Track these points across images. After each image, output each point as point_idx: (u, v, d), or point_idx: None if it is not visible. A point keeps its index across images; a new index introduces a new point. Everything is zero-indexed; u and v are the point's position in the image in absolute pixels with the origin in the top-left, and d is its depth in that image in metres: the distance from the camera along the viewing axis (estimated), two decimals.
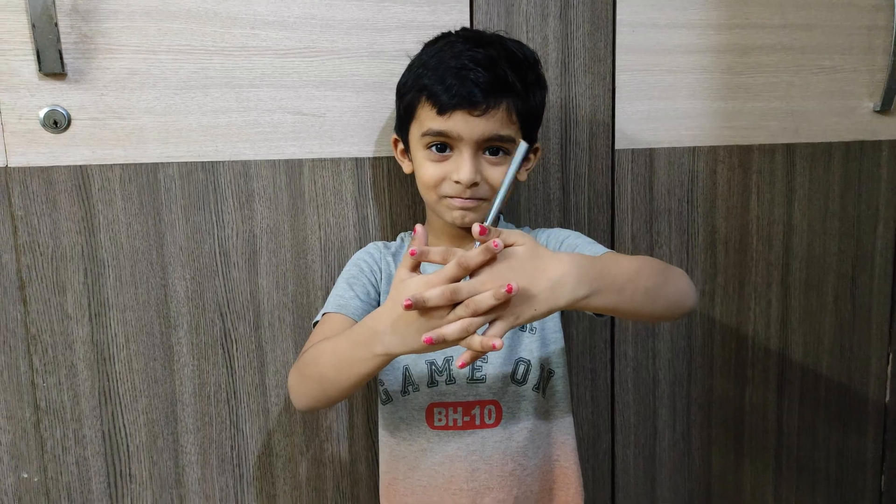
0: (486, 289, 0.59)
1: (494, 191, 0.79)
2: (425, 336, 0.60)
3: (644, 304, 0.68)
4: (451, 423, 0.80)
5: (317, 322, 0.81)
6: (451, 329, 0.60)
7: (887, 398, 1.22)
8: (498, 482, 0.80)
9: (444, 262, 0.61)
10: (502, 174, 0.78)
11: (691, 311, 0.74)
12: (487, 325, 0.61)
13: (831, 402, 1.19)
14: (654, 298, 0.69)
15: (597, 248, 0.81)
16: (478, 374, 0.81)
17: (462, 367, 0.62)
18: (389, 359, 0.66)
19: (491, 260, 0.61)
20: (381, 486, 0.86)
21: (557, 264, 0.63)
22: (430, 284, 0.60)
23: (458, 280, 0.60)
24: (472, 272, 0.61)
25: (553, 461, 0.84)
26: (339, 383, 0.69)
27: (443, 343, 0.60)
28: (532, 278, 0.61)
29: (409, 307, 0.59)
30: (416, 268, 0.63)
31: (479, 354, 0.62)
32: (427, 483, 0.81)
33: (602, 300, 0.64)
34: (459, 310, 0.60)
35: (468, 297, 0.59)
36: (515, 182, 0.87)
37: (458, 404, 0.80)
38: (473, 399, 0.80)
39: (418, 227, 0.64)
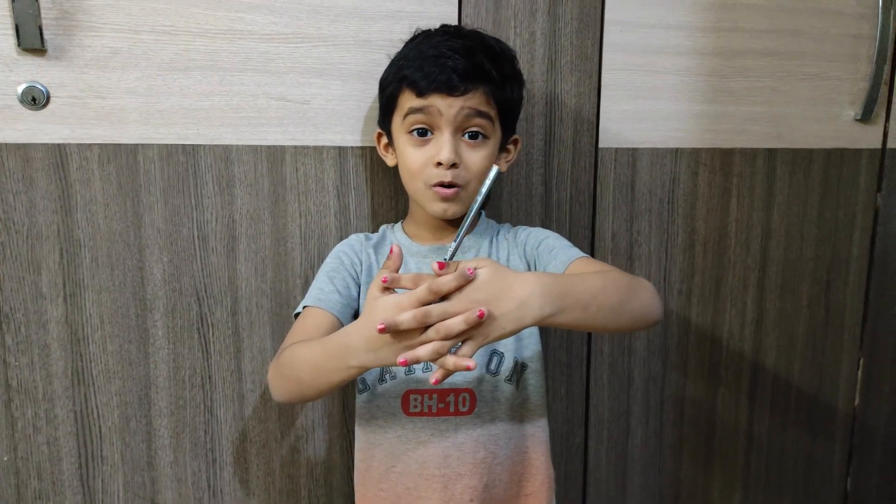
0: (455, 311, 0.62)
1: (472, 175, 0.82)
2: (400, 359, 0.63)
3: (608, 319, 0.71)
4: (425, 410, 0.82)
5: (298, 314, 0.83)
6: (423, 351, 0.63)
7: (856, 402, 1.24)
8: (469, 469, 0.81)
9: (415, 287, 0.64)
10: (480, 159, 0.82)
11: (657, 323, 0.77)
12: (459, 343, 0.64)
13: (801, 405, 1.21)
14: (619, 314, 0.72)
15: (572, 253, 0.82)
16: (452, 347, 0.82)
17: (436, 383, 0.65)
18: (363, 370, 0.69)
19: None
20: (356, 473, 0.87)
21: (523, 284, 0.65)
22: (401, 307, 0.63)
23: (429, 303, 0.63)
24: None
25: (524, 453, 0.85)
26: (315, 387, 0.73)
27: (416, 362, 0.63)
28: (499, 299, 0.64)
29: (382, 331, 0.62)
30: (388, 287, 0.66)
31: (452, 372, 0.64)
32: (401, 469, 0.82)
33: (567, 318, 0.67)
34: (431, 333, 0.63)
35: (438, 320, 0.62)
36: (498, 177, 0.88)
37: (433, 391, 0.81)
38: (448, 387, 0.81)
39: (395, 247, 0.67)
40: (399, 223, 0.93)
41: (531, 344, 0.85)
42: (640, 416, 1.14)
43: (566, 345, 1.09)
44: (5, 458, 0.93)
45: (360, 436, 0.86)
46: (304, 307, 0.83)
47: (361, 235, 0.91)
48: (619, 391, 1.13)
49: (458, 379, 0.81)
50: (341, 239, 0.96)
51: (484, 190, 0.68)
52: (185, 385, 0.96)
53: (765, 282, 1.16)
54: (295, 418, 1.01)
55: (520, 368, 0.84)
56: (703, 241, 1.12)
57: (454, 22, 0.95)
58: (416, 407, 0.82)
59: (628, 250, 1.09)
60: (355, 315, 0.85)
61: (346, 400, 1.01)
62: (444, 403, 0.81)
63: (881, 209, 1.19)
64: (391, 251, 0.67)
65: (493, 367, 0.83)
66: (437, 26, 0.88)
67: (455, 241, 0.69)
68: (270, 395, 0.98)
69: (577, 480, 1.14)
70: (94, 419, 0.95)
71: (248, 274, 0.96)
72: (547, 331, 1.07)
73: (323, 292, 0.83)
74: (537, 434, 0.86)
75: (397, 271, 0.66)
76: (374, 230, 0.97)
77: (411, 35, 0.89)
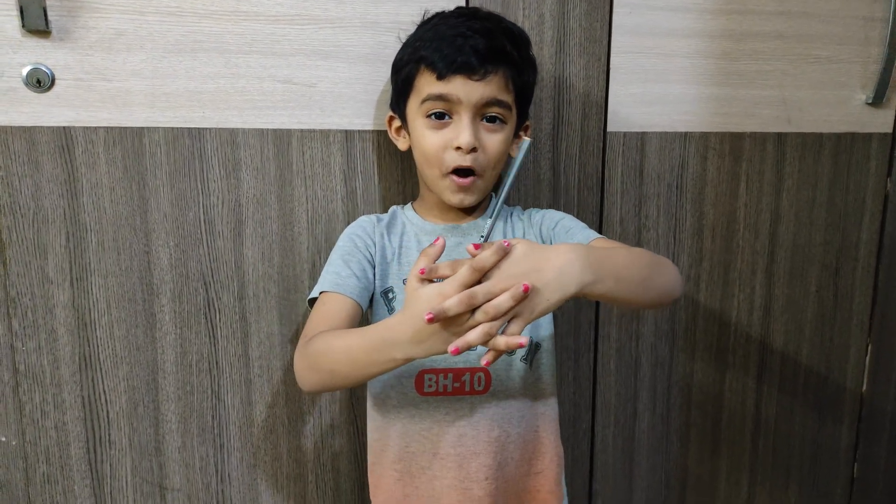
0: (499, 290, 0.61)
1: (490, 161, 0.81)
2: (451, 347, 0.62)
3: (637, 293, 0.71)
4: (440, 389, 0.81)
5: (312, 299, 0.82)
6: (474, 335, 0.62)
7: (864, 388, 1.24)
8: (484, 447, 0.81)
9: (454, 273, 0.63)
10: (498, 143, 0.81)
11: (678, 300, 0.77)
12: (507, 322, 0.63)
13: (809, 390, 1.21)
14: (647, 288, 0.72)
15: (589, 234, 0.82)
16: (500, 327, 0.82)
17: (487, 364, 0.64)
18: (409, 362, 0.68)
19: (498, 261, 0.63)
20: (370, 454, 0.87)
21: (560, 254, 0.65)
22: (445, 294, 0.61)
23: (471, 284, 0.62)
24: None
25: (535, 431, 0.85)
26: (351, 378, 0.72)
27: (468, 348, 0.62)
28: (539, 270, 0.63)
29: (431, 321, 0.61)
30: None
31: (504, 353, 0.64)
32: (416, 449, 0.82)
33: (603, 287, 0.66)
34: (479, 315, 0.62)
35: (484, 301, 0.61)
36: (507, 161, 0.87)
37: (448, 370, 0.81)
38: (464, 366, 0.81)
39: (440, 238, 0.66)
40: (409, 204, 0.92)
41: (545, 322, 0.85)
42: (648, 401, 1.14)
43: (574, 330, 1.09)
44: (14, 443, 0.93)
45: (374, 417, 0.86)
46: (320, 292, 0.81)
47: (373, 217, 0.90)
48: (626, 376, 1.13)
49: (472, 357, 0.81)
50: (349, 223, 0.95)
51: (519, 160, 0.67)
52: (192, 370, 0.96)
53: (773, 267, 1.15)
54: (302, 403, 1.00)
55: (534, 348, 0.84)
56: (711, 226, 1.11)
57: (463, 3, 0.94)
58: (430, 387, 0.81)
59: (636, 235, 1.09)
60: (372, 300, 0.84)
61: None
62: (460, 383, 0.81)
63: (891, 194, 1.18)
64: (434, 242, 0.66)
65: None
66: (448, 8, 0.87)
67: (491, 216, 0.69)
68: (277, 381, 0.99)
69: (584, 465, 1.13)
70: (101, 404, 0.95)
71: (255, 258, 0.95)
72: (555, 315, 1.06)
73: (340, 277, 0.81)
74: (548, 413, 0.86)
75: (436, 262, 0.65)
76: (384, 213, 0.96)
77: (421, 17, 0.88)
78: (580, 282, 0.64)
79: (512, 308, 0.62)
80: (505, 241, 0.63)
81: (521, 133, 0.89)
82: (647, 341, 1.12)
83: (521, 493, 0.85)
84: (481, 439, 0.81)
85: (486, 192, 0.85)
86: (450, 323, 0.62)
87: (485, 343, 0.62)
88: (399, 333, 0.65)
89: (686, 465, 1.18)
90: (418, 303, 0.63)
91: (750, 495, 1.22)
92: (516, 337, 0.62)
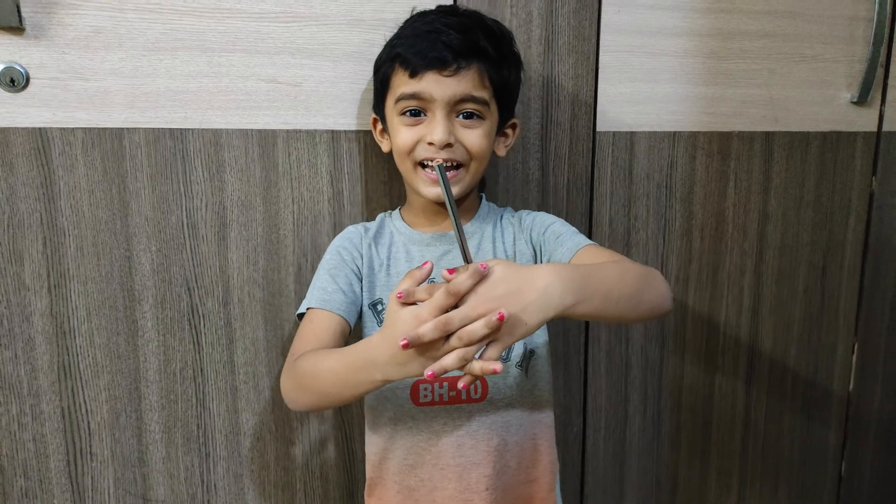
0: (476, 314, 0.60)
1: (470, 154, 0.80)
2: (427, 372, 0.61)
3: (627, 309, 0.70)
4: (436, 399, 0.80)
5: (301, 314, 0.81)
6: (449, 360, 0.61)
7: (851, 387, 1.24)
8: (483, 457, 0.79)
9: (430, 297, 0.62)
10: (477, 137, 0.80)
11: (668, 313, 0.75)
12: (485, 345, 0.62)
13: (797, 391, 1.21)
14: (636, 304, 0.71)
15: (580, 240, 0.81)
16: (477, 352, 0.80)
17: (464, 387, 0.64)
18: (390, 382, 0.67)
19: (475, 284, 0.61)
20: (368, 467, 0.85)
21: (541, 275, 0.63)
22: (421, 319, 0.60)
23: (448, 309, 0.61)
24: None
25: (533, 439, 0.84)
26: (339, 398, 0.71)
27: (444, 373, 0.62)
28: (518, 293, 0.62)
29: (405, 347, 0.60)
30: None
31: (480, 377, 0.63)
32: (415, 461, 0.80)
33: (588, 307, 0.65)
34: (454, 341, 0.61)
35: (461, 326, 0.60)
36: (493, 157, 0.86)
37: (444, 379, 0.79)
38: (459, 374, 0.79)
39: (428, 263, 0.65)
40: (397, 210, 0.91)
41: (539, 330, 0.83)
42: (638, 404, 1.13)
43: (563, 333, 1.08)
44: None
45: (371, 430, 0.84)
46: (308, 308, 0.80)
47: (360, 227, 0.88)
48: (616, 379, 1.12)
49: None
50: (335, 225, 0.94)
51: (447, 194, 0.66)
52: (176, 378, 0.94)
53: (762, 267, 1.15)
54: (289, 411, 0.98)
55: (529, 354, 0.83)
56: (700, 227, 1.11)
57: (450, 1, 0.93)
58: (426, 397, 0.80)
59: (626, 236, 1.08)
60: (360, 314, 0.83)
61: None
62: (456, 391, 0.80)
63: (876, 193, 1.19)
64: (423, 266, 0.65)
65: (504, 353, 0.81)
66: (433, 6, 0.85)
67: (461, 252, 0.67)
68: (264, 388, 0.96)
69: (576, 468, 1.13)
70: (82, 415, 0.92)
71: (240, 262, 0.93)
72: None
73: (326, 292, 0.80)
74: (544, 420, 0.85)
75: (420, 285, 0.64)
76: (369, 216, 0.95)
77: (406, 14, 0.86)
78: (561, 304, 0.63)
79: (487, 336, 0.61)
80: (482, 264, 0.61)
81: (509, 131, 0.87)
82: (636, 344, 1.12)
83: (517, 500, 0.83)
84: (480, 448, 0.79)
85: (470, 186, 0.83)
86: (427, 347, 0.61)
87: (461, 368, 0.62)
88: (379, 354, 0.65)
89: (677, 467, 1.17)
90: (396, 325, 0.62)
91: (740, 496, 1.21)
92: (491, 363, 0.61)
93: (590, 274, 0.67)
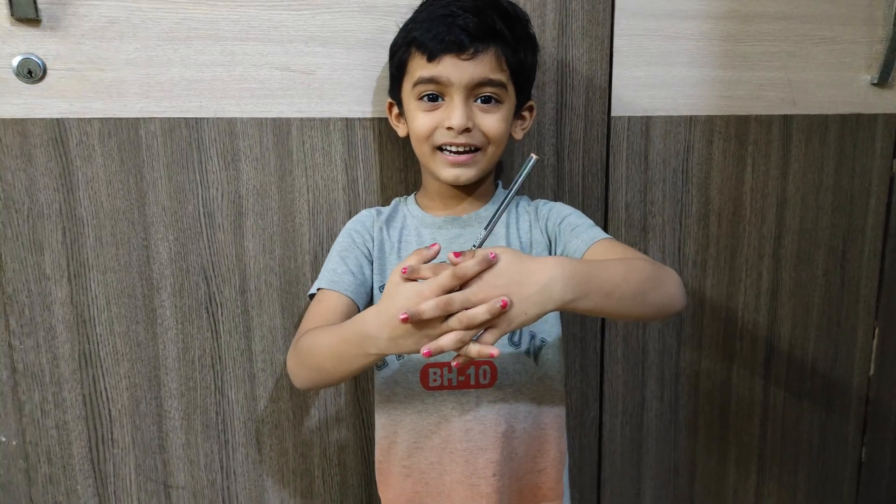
0: (477, 299, 0.61)
1: (488, 138, 0.80)
2: (424, 349, 0.62)
3: (630, 308, 0.70)
4: (445, 383, 0.80)
5: (312, 294, 0.82)
6: (446, 340, 0.62)
7: (871, 371, 1.23)
8: (491, 442, 0.79)
9: (434, 276, 0.62)
10: (495, 121, 0.79)
11: (680, 313, 0.75)
12: (483, 330, 0.62)
13: (816, 375, 1.20)
14: (641, 304, 0.70)
15: (595, 233, 0.80)
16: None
17: (457, 366, 0.64)
18: (383, 357, 0.68)
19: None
20: (378, 451, 0.86)
21: (544, 268, 0.64)
22: (423, 296, 0.61)
23: (451, 290, 0.61)
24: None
25: (541, 428, 0.84)
26: (337, 373, 0.72)
27: (440, 352, 0.62)
28: (520, 283, 0.62)
29: (405, 321, 0.61)
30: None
31: (474, 359, 0.63)
32: (424, 445, 0.81)
33: (588, 304, 0.66)
34: (453, 322, 0.61)
35: (461, 308, 0.61)
36: (509, 142, 0.86)
37: (447, 364, 0.79)
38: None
39: (436, 245, 0.65)
40: (412, 195, 0.91)
41: (550, 318, 0.84)
42: (655, 390, 1.13)
43: (580, 318, 1.07)
44: (14, 443, 0.91)
45: (381, 414, 0.84)
46: (318, 289, 0.81)
47: (373, 210, 0.89)
48: (633, 364, 1.11)
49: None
50: (350, 213, 0.94)
51: (519, 180, 0.66)
52: (194, 366, 0.95)
53: (780, 251, 1.14)
54: (307, 397, 0.99)
55: (538, 343, 0.83)
56: (717, 211, 1.10)
57: None
58: (435, 381, 0.80)
59: (642, 221, 1.07)
60: (370, 295, 0.83)
61: (357, 378, 1.00)
62: (465, 376, 0.80)
63: None
64: (431, 246, 0.65)
65: (515, 338, 0.82)
66: None
67: (486, 227, 0.67)
68: (281, 375, 0.97)
69: (593, 454, 1.12)
70: (103, 402, 0.93)
71: (256, 251, 0.94)
72: None
73: (336, 273, 0.81)
74: (554, 411, 0.85)
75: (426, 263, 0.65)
76: (384, 204, 0.95)
77: (420, 1, 0.86)
78: (560, 299, 0.63)
79: (487, 322, 0.61)
80: (491, 253, 0.62)
81: (526, 113, 0.87)
82: (653, 329, 1.11)
83: (524, 489, 0.83)
84: (488, 434, 0.79)
85: (486, 170, 0.83)
86: (424, 325, 0.62)
87: (457, 349, 0.62)
88: (374, 328, 0.65)
89: (694, 452, 1.17)
90: (396, 299, 0.63)
91: (759, 481, 1.21)
92: (488, 347, 0.61)
93: (594, 271, 0.67)
